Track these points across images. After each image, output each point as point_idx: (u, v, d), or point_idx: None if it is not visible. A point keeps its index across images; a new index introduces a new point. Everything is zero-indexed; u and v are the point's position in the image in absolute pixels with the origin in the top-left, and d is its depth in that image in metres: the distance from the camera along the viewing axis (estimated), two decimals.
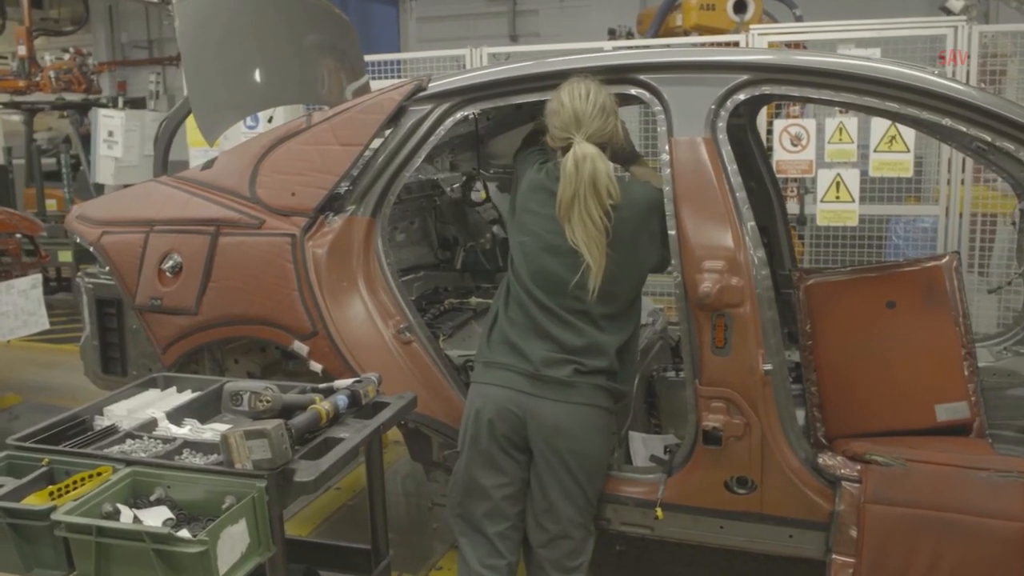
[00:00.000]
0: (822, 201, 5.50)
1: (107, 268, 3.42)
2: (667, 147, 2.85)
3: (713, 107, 2.82)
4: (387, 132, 3.17)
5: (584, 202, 2.57)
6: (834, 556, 2.73)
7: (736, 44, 6.15)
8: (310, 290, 3.06)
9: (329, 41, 3.75)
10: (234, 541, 2.15)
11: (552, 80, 3.08)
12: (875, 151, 5.42)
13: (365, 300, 3.13)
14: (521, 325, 2.73)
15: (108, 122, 8.73)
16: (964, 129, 2.77)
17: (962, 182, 5.51)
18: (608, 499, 3.01)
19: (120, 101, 8.99)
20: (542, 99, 3.17)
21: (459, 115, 3.13)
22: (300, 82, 3.57)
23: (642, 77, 2.92)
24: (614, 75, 2.99)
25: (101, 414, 2.72)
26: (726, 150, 2.82)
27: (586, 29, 11.40)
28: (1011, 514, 2.56)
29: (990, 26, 6.91)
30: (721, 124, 2.83)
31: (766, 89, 2.84)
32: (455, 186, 4.10)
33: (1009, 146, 2.72)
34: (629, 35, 9.18)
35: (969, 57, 5.64)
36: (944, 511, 2.62)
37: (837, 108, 5.48)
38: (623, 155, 3.01)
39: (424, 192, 4.00)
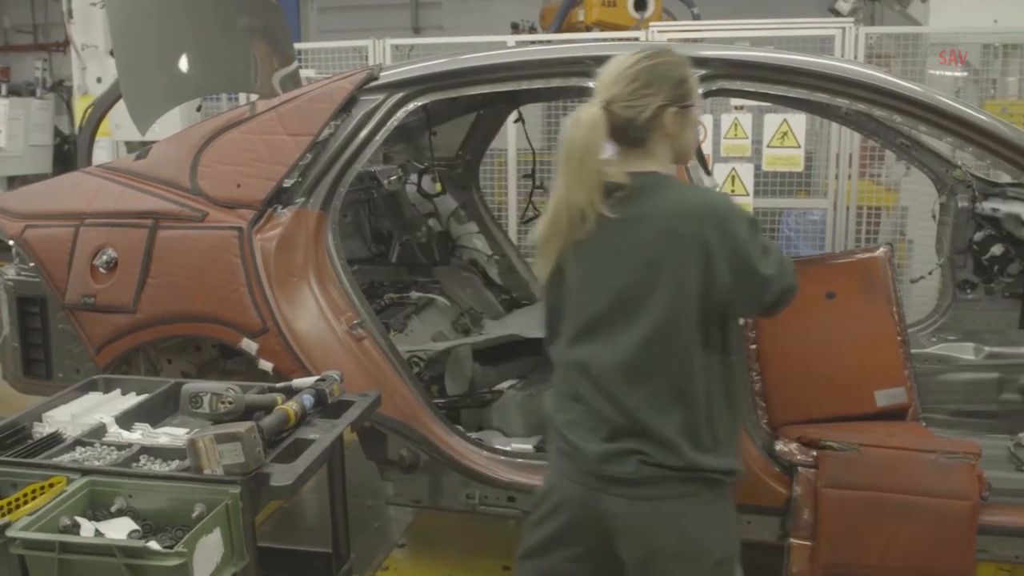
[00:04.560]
0: None
1: (31, 264, 3.20)
2: None
3: None
4: (337, 122, 3.07)
5: (567, 174, 2.05)
6: (792, 540, 2.80)
7: (636, 40, 6.27)
8: (259, 285, 2.95)
9: (261, 25, 3.61)
10: (209, 551, 2.04)
11: (507, 71, 3.08)
12: (768, 146, 5.60)
13: (316, 295, 3.03)
14: None
15: None
16: (905, 125, 2.87)
17: (849, 177, 5.77)
18: None
19: (3, 88, 8.45)
20: (493, 91, 3.16)
21: (412, 105, 3.07)
22: (234, 69, 3.43)
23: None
24: (570, 68, 3.00)
25: (40, 420, 2.54)
26: None
27: (489, 22, 11.34)
28: (958, 493, 2.68)
29: (875, 28, 7.26)
30: None
31: (723, 84, 2.88)
32: (392, 178, 4.02)
33: (949, 140, 2.83)
34: (532, 30, 9.21)
35: (856, 58, 5.90)
36: (897, 493, 2.72)
37: (733, 105, 5.66)
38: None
39: (362, 185, 3.90)
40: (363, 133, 3.05)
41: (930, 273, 4.16)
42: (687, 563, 2.08)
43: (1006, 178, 3.88)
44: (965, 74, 6.38)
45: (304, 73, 5.70)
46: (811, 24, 6.33)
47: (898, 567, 2.70)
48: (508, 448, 3.23)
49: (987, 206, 4.02)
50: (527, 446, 3.30)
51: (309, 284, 3.04)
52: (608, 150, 2.08)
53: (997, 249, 4.01)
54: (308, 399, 2.49)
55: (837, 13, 7.80)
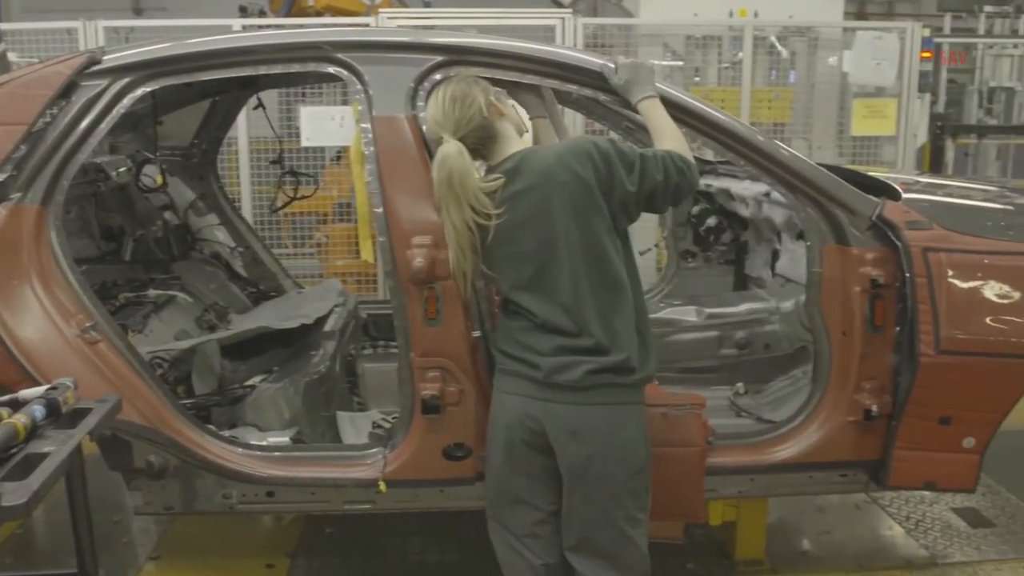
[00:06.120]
0: None
1: None
2: (369, 125, 2.88)
3: (412, 85, 2.89)
4: (55, 110, 2.83)
5: (446, 206, 2.45)
6: None
7: (367, 26, 6.32)
8: None
9: None
10: None
11: (243, 56, 2.99)
12: None
13: (41, 299, 2.79)
14: None
15: None
16: (627, 109, 3.09)
17: None
18: (329, 483, 3.00)
19: None
20: (228, 76, 3.05)
21: (139, 92, 2.89)
22: None
23: (340, 56, 2.92)
24: (310, 52, 2.96)
25: None
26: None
27: (216, 5, 10.85)
28: (688, 441, 2.94)
29: (593, 19, 7.79)
30: (421, 103, 2.91)
31: (460, 70, 2.95)
32: (120, 170, 3.76)
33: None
34: (261, 13, 8.97)
35: (576, 46, 6.30)
36: None
37: None
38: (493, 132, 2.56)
39: (86, 177, 3.62)
40: (85, 122, 2.83)
41: (657, 245, 4.53)
42: (618, 466, 2.44)
43: (710, 155, 4.32)
44: (681, 63, 6.98)
45: None
46: (534, 14, 6.67)
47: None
48: (264, 443, 3.16)
49: (702, 182, 4.45)
50: (284, 439, 3.24)
51: (32, 287, 2.78)
52: (480, 170, 2.54)
53: (712, 221, 4.47)
54: (38, 410, 2.29)
55: (559, 4, 8.23)
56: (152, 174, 3.84)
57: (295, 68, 3.01)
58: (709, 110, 2.98)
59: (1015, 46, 10.73)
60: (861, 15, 15.04)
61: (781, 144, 3.03)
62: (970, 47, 10.91)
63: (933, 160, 9.40)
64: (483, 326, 2.89)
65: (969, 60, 11.69)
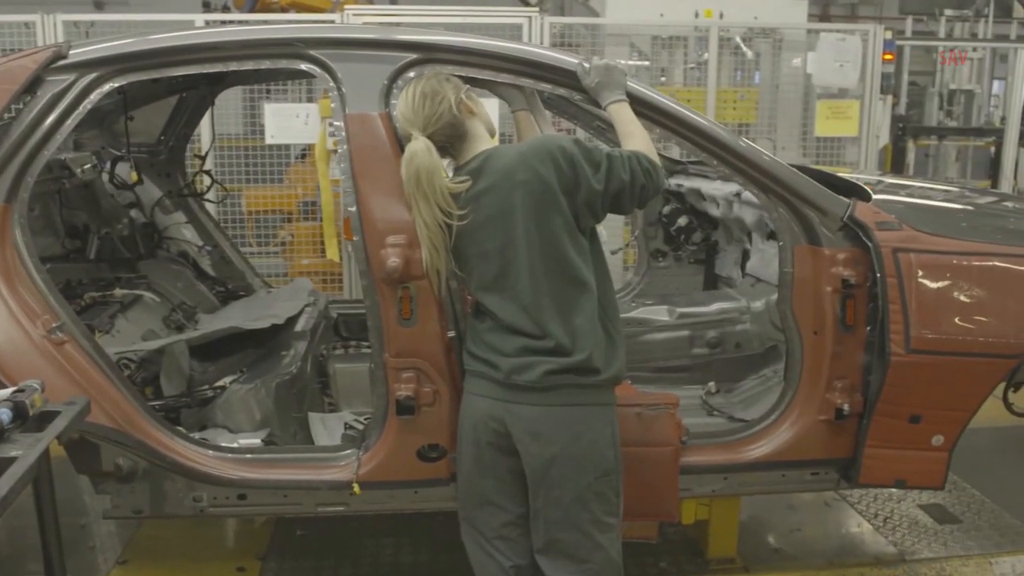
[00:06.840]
0: None
1: None
2: (343, 123, 2.85)
3: (386, 83, 2.86)
4: (20, 105, 2.77)
5: (416, 203, 2.44)
6: None
7: (332, 23, 6.28)
8: None
9: None
10: None
11: (212, 52, 2.95)
12: None
13: (6, 299, 2.72)
14: None
15: None
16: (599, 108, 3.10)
17: None
18: (302, 485, 2.97)
19: None
20: (199, 72, 3.01)
21: (107, 87, 2.84)
22: None
23: (313, 52, 2.88)
24: (282, 49, 2.91)
25: None
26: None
27: (180, 0, 10.72)
28: (662, 441, 2.96)
29: (559, 18, 7.81)
30: (395, 101, 2.87)
31: (434, 67, 2.93)
32: (86, 167, 3.69)
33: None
34: (225, 9, 8.89)
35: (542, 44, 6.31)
36: None
37: None
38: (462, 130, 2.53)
39: (51, 175, 3.54)
40: (51, 118, 2.76)
41: (627, 245, 4.54)
42: (582, 468, 2.41)
43: (677, 153, 4.34)
44: (647, 63, 7.02)
45: None
46: (500, 12, 6.66)
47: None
48: (235, 445, 3.11)
49: (673, 182, 4.47)
50: (255, 440, 3.20)
51: None
52: (449, 169, 2.56)
53: (683, 220, 4.49)
54: (5, 413, 2.24)
55: (526, 3, 8.23)
56: (124, 173, 3.78)
57: (266, 65, 2.97)
58: (685, 111, 2.98)
59: (974, 49, 10.93)
60: (824, 17, 15.26)
61: (758, 147, 3.04)
62: (931, 50, 11.11)
63: (895, 161, 9.55)
64: (458, 326, 2.87)
65: (928, 63, 11.92)
